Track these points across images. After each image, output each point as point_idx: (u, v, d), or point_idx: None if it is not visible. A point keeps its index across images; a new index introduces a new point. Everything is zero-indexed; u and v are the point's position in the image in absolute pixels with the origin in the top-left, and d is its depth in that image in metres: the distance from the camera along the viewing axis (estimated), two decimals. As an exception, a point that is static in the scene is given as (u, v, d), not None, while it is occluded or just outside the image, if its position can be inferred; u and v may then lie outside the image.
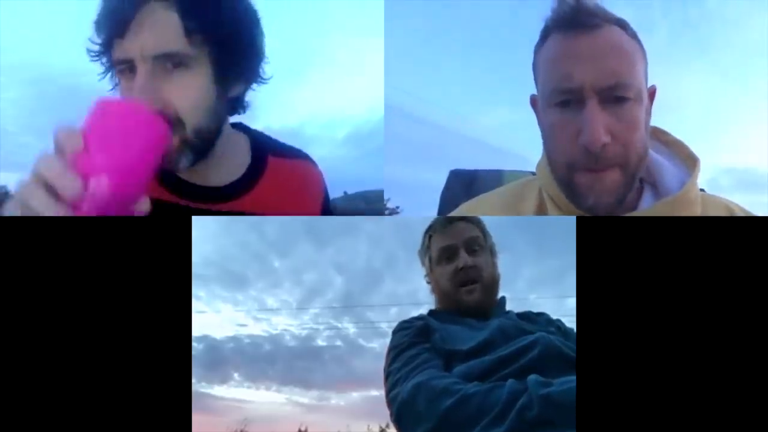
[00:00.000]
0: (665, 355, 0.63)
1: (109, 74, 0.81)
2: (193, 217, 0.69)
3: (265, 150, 0.96)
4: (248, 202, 0.90)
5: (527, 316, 0.92)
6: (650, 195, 0.83)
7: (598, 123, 0.72)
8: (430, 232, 0.99)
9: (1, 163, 1.86)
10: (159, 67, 0.74)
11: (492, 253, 0.98)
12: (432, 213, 1.19)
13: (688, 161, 0.84)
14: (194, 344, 0.69)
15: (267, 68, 0.88)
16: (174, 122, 0.74)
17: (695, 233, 0.65)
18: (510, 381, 0.68)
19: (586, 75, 0.73)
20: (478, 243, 0.95)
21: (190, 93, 0.75)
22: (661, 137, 0.87)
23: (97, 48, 0.78)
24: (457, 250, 0.94)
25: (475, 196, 0.99)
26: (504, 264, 0.99)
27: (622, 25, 0.77)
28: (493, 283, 0.95)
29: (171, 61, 0.74)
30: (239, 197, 0.90)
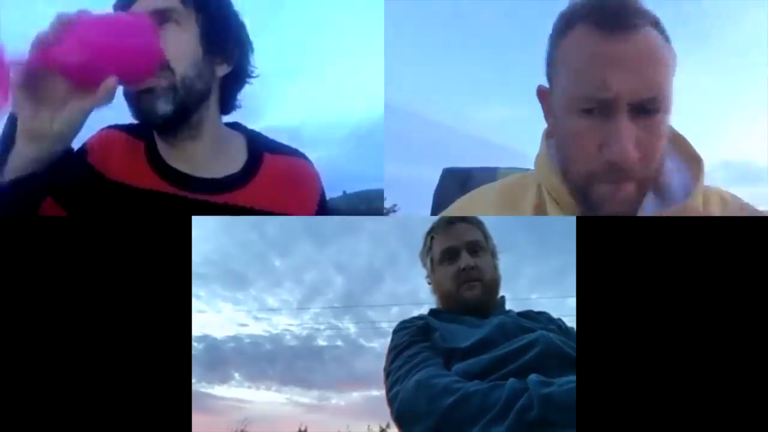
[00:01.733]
0: (665, 355, 0.63)
1: None
2: (193, 216, 0.70)
3: (260, 147, 0.99)
4: (243, 196, 0.93)
5: (528, 315, 0.92)
6: (653, 197, 0.81)
7: (628, 138, 0.69)
8: (432, 233, 0.99)
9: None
10: (156, 22, 0.84)
11: (493, 254, 0.98)
12: (428, 211, 1.19)
13: (692, 162, 0.81)
14: (194, 344, 0.69)
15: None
16: (165, 67, 0.84)
17: (695, 233, 0.65)
18: (511, 380, 0.68)
19: (623, 85, 0.68)
20: (480, 245, 0.95)
21: (179, 45, 0.86)
22: None
23: None
24: (458, 252, 0.94)
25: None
26: (505, 264, 0.99)
27: (657, 24, 0.73)
28: (494, 285, 0.95)
29: (164, 17, 0.85)
30: (235, 190, 0.93)
